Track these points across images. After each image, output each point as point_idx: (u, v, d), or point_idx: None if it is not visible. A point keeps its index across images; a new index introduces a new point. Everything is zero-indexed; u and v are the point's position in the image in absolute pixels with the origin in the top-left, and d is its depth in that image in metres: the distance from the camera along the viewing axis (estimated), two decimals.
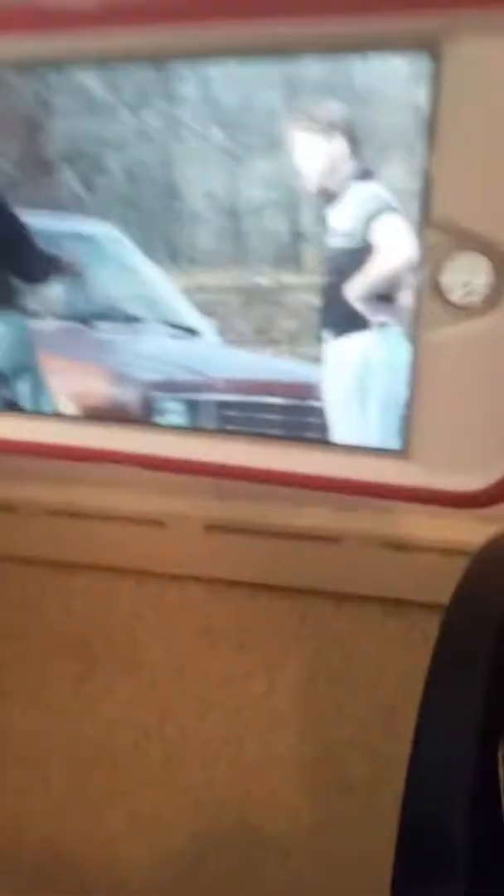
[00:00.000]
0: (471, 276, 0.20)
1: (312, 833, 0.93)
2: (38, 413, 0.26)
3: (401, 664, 1.04)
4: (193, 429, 0.25)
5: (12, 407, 0.26)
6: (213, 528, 1.15)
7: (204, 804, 0.97)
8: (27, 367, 0.25)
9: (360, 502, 1.07)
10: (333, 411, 0.22)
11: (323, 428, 0.22)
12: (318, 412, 0.22)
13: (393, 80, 0.18)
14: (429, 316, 0.20)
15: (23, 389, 0.25)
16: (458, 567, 0.46)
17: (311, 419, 0.22)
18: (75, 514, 1.20)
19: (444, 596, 0.48)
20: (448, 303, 0.20)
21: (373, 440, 0.22)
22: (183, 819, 0.96)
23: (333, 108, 0.19)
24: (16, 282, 0.24)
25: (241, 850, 0.94)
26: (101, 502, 1.19)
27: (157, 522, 1.17)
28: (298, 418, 0.21)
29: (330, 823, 0.93)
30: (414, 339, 0.20)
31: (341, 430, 0.21)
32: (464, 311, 0.20)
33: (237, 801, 0.96)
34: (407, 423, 0.21)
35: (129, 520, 1.17)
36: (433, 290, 0.20)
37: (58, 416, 0.26)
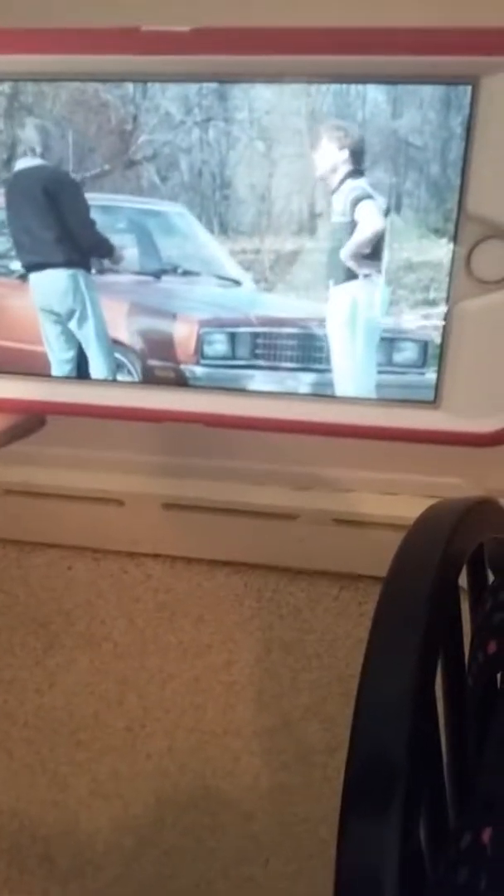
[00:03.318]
0: (496, 257, 0.24)
1: (271, 797, 0.97)
2: (91, 379, 0.30)
3: (354, 635, 1.08)
4: (229, 388, 0.28)
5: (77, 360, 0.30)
6: (171, 506, 1.18)
7: (165, 771, 1.00)
8: (86, 314, 0.30)
9: (314, 482, 1.11)
10: (333, 336, 0.27)
11: (327, 349, 0.27)
12: (324, 338, 0.28)
13: (376, 108, 0.25)
14: (460, 289, 0.25)
15: (85, 330, 0.30)
16: None
17: (319, 343, 0.27)
18: (33, 494, 1.21)
19: None
20: (476, 279, 0.25)
21: (359, 356, 0.28)
22: (144, 786, 0.99)
23: (339, 132, 0.25)
24: (84, 250, 0.29)
25: (201, 815, 0.97)
26: (59, 481, 1.20)
27: (115, 501, 1.19)
28: (310, 342, 0.27)
29: (288, 788, 0.97)
30: (447, 310, 0.25)
31: (337, 348, 0.27)
32: (488, 286, 0.24)
33: (197, 768, 0.99)
34: (438, 380, 0.26)
35: (88, 499, 1.19)
36: (464, 268, 0.25)
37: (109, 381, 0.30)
